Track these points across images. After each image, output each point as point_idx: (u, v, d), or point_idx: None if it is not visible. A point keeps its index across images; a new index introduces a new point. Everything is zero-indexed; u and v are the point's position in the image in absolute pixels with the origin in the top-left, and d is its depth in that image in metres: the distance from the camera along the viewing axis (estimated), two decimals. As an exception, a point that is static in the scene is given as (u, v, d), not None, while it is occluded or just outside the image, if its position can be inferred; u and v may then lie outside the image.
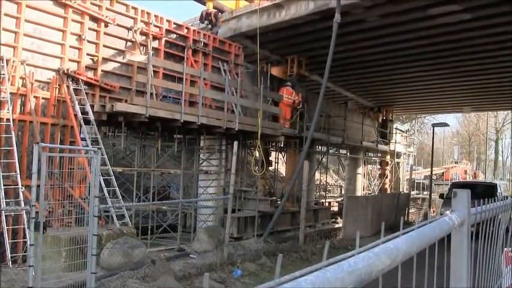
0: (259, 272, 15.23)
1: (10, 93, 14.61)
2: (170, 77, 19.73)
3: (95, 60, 17.56)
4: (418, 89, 35.37)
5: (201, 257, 15.31)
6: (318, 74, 27.13)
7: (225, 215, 18.00)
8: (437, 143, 62.16)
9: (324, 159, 32.85)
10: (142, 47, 19.11)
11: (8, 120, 14.40)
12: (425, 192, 51.51)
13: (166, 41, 20.14)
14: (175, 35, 20.67)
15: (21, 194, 13.59)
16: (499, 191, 25.83)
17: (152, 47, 19.30)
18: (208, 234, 16.47)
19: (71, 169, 14.06)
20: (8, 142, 14.29)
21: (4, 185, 13.57)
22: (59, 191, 13.10)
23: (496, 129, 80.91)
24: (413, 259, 2.63)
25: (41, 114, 15.65)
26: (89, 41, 17.28)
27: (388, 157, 42.92)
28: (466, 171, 65.48)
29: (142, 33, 19.17)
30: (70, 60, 16.65)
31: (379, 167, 44.92)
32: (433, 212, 31.74)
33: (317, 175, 35.38)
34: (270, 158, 28.91)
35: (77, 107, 16.02)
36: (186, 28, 21.26)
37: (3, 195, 13.40)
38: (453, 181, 43.55)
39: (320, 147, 32.09)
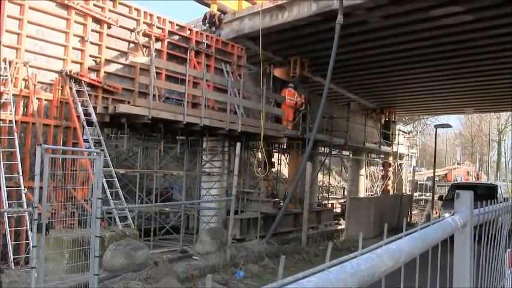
0: (262, 273, 15.24)
1: (13, 94, 14.61)
2: (173, 78, 19.74)
3: (97, 61, 17.56)
4: (421, 90, 35.34)
5: (204, 258, 15.32)
6: (321, 75, 27.16)
7: (228, 217, 18.00)
8: (439, 144, 62.20)
9: (327, 161, 32.75)
10: (145, 49, 19.12)
11: (10, 121, 14.41)
12: (428, 194, 51.43)
13: (169, 42, 20.15)
14: (178, 37, 20.68)
15: (23, 195, 13.60)
16: (499, 192, 25.66)
17: (155, 49, 19.30)
18: (211, 236, 16.48)
19: (73, 171, 14.08)
20: (11, 144, 14.29)
21: (7, 187, 13.58)
22: (62, 192, 13.12)
23: (499, 131, 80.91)
24: (416, 260, 2.63)
25: (44, 116, 15.66)
26: (91, 43, 17.30)
27: (390, 158, 42.89)
28: (468, 173, 65.41)
29: (145, 35, 19.18)
30: (73, 61, 16.66)
31: (381, 168, 44.87)
32: (436, 214, 31.70)
33: (320, 176, 35.33)
34: (273, 160, 28.89)
35: (80, 109, 16.03)
36: (189, 29, 21.27)
37: (6, 196, 13.41)
38: (452, 182, 43.36)
39: (323, 149, 32.04)
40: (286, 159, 31.52)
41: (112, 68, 18.16)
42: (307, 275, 1.74)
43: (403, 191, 43.39)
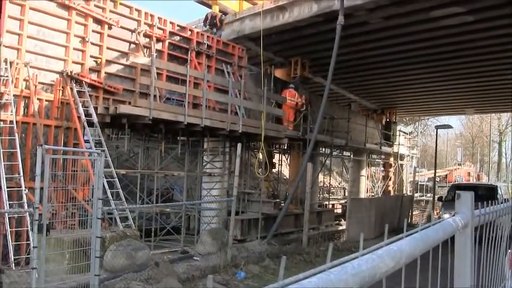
0: (263, 274, 15.24)
1: (13, 95, 14.62)
2: (174, 79, 19.74)
3: (98, 62, 17.57)
4: (422, 91, 35.33)
5: (205, 259, 15.32)
6: (322, 76, 27.16)
7: (229, 217, 17.99)
8: (440, 145, 62.23)
9: (328, 162, 32.75)
10: (145, 49, 19.12)
11: (11, 122, 14.43)
12: (428, 195, 51.37)
13: (169, 43, 20.16)
14: (178, 37, 20.68)
15: (24, 196, 13.60)
16: (499, 193, 25.46)
17: (156, 49, 19.31)
18: (211, 237, 16.48)
19: (74, 171, 14.08)
20: (12, 144, 14.30)
21: (7, 187, 13.59)
22: (63, 193, 13.12)
23: (500, 131, 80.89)
24: (417, 261, 2.63)
25: (45, 117, 15.67)
26: (92, 43, 17.31)
27: (391, 159, 42.87)
28: (469, 173, 65.39)
29: (145, 36, 19.18)
30: (74, 62, 16.66)
31: (382, 169, 44.86)
32: (437, 214, 31.63)
33: (320, 177, 35.34)
34: (274, 160, 28.90)
35: (81, 109, 16.03)
36: (190, 30, 21.27)
37: (7, 197, 13.42)
38: (452, 183, 43.31)
39: (323, 149, 32.03)
40: (287, 159, 31.51)
41: (113, 68, 18.16)
42: (308, 275, 1.74)
43: (404, 192, 43.36)
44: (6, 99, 14.57)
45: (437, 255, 3.04)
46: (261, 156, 23.62)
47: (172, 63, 19.86)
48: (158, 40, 19.68)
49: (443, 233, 2.92)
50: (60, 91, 16.08)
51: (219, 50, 22.28)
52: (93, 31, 17.34)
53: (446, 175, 62.62)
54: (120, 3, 18.40)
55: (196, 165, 22.63)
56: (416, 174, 42.91)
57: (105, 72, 17.74)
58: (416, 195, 45.31)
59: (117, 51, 18.27)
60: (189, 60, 20.31)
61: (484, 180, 66.62)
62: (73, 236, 11.77)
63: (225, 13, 24.50)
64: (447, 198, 26.18)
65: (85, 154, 14.94)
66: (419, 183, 52.90)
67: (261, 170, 23.51)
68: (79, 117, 15.95)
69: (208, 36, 21.91)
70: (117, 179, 16.14)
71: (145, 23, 19.10)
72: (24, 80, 15.26)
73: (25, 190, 13.67)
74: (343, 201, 37.97)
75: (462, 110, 46.78)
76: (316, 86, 30.62)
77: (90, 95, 16.66)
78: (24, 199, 13.55)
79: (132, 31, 18.73)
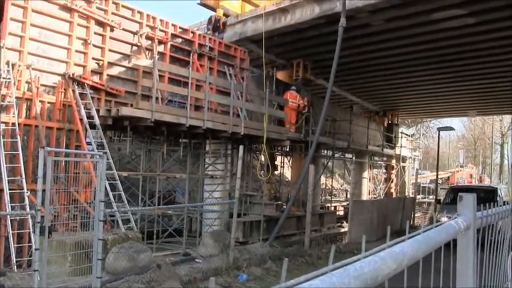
0: (265, 276, 15.22)
1: (16, 97, 14.65)
2: (176, 81, 19.75)
3: (100, 64, 17.58)
4: (424, 93, 35.33)
5: (207, 261, 15.30)
6: (324, 78, 27.13)
7: (231, 220, 18.00)
8: (442, 147, 62.25)
9: (330, 164, 32.80)
10: (147, 52, 19.13)
11: (13, 124, 14.45)
12: (431, 197, 51.47)
13: (171, 45, 20.17)
14: (180, 40, 20.69)
15: (26, 198, 13.61)
16: (499, 195, 25.06)
17: (158, 52, 19.33)
18: (213, 239, 16.47)
19: (76, 173, 14.06)
20: (14, 146, 14.32)
21: (9, 189, 13.59)
22: (65, 195, 13.11)
23: (502, 133, 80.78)
24: (419, 263, 2.63)
25: (47, 119, 15.67)
26: (94, 46, 17.32)
27: (393, 161, 42.84)
28: (471, 175, 65.46)
29: (148, 38, 19.20)
30: (76, 64, 16.69)
31: (384, 171, 44.86)
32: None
33: (322, 179, 35.35)
34: (276, 162, 28.91)
35: (83, 112, 16.04)
36: (192, 32, 21.29)
37: (9, 199, 13.43)
38: (450, 185, 43.18)
39: (326, 152, 32.05)
40: (289, 162, 31.48)
41: (115, 70, 18.17)
42: (310, 278, 1.74)
43: (406, 194, 43.41)
44: (9, 101, 14.58)
45: (440, 257, 3.04)
46: (263, 158, 23.61)
47: (174, 65, 19.87)
48: (160, 42, 19.70)
49: (445, 235, 2.91)
50: (62, 93, 16.10)
51: (221, 52, 22.30)
52: (95, 33, 17.36)
53: (449, 177, 62.63)
54: (122, 6, 18.43)
55: (198, 167, 22.64)
56: (419, 176, 42.96)
57: (107, 75, 17.75)
58: (418, 197, 45.40)
59: (119, 53, 18.29)
60: (191, 63, 20.32)
61: (486, 182, 66.57)
62: (75, 238, 11.76)
63: (227, 15, 24.52)
64: (446, 201, 25.95)
65: (87, 156, 14.92)
66: (422, 185, 53.01)
67: (263, 172, 23.50)
68: (81, 120, 15.96)
69: (210, 38, 21.93)
70: (119, 181, 16.14)
71: (147, 25, 19.12)
72: (26, 82, 15.28)
73: (27, 192, 13.68)
74: (345, 203, 38.06)
75: (464, 112, 46.82)
76: (318, 88, 30.61)
77: (92, 97, 16.67)
78: (26, 201, 13.55)
79: (134, 33, 18.75)
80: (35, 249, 9.89)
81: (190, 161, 21.93)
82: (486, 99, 36.40)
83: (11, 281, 11.08)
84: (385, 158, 42.45)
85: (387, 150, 39.91)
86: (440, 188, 48.52)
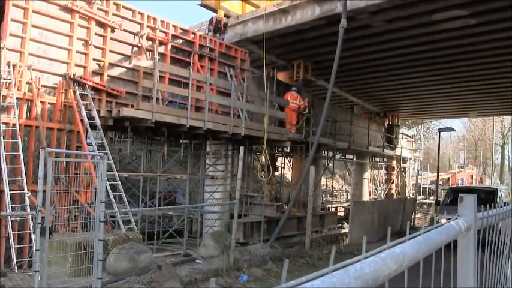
0: (266, 277, 15.22)
1: (16, 98, 14.65)
2: (176, 82, 19.75)
3: (101, 65, 17.59)
4: (424, 94, 35.32)
5: (207, 262, 15.30)
6: (324, 79, 27.12)
7: (231, 220, 18.00)
8: (443, 147, 62.22)
9: (330, 164, 32.81)
10: (148, 52, 19.15)
11: (14, 125, 14.45)
12: (431, 197, 51.46)
13: (172, 46, 20.18)
14: (181, 40, 20.71)
15: (27, 199, 13.61)
16: (499, 196, 24.86)
17: (158, 52, 19.34)
18: (214, 240, 16.47)
19: (77, 174, 14.06)
20: (14, 147, 14.32)
21: (10, 190, 13.59)
22: (65, 196, 13.10)
23: (502, 134, 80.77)
24: (420, 264, 2.62)
25: (47, 119, 15.68)
26: (95, 46, 17.34)
27: (394, 162, 42.86)
28: (472, 176, 65.45)
29: (148, 39, 19.21)
30: (76, 65, 16.70)
31: (385, 172, 44.86)
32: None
33: (323, 180, 35.35)
34: (276, 163, 28.89)
35: (83, 112, 16.04)
36: (193, 33, 21.30)
37: (9, 200, 13.43)
38: (450, 186, 43.05)
39: (326, 152, 32.07)
40: (289, 162, 31.47)
41: (115, 71, 18.18)
42: (310, 278, 1.74)
43: (407, 195, 43.43)
44: (9, 102, 14.59)
45: (440, 258, 3.04)
46: (263, 159, 23.62)
47: (175, 66, 19.88)
48: (161, 43, 19.71)
49: (446, 236, 2.91)
50: (63, 94, 16.11)
51: (221, 53, 22.31)
52: (95, 34, 17.37)
53: (449, 178, 62.61)
54: (123, 6, 18.44)
55: (199, 168, 22.64)
56: (419, 177, 42.95)
57: (108, 75, 17.76)
58: (419, 198, 45.46)
59: (119, 54, 18.30)
60: (191, 63, 20.33)
61: (487, 183, 66.59)
62: (76, 239, 11.77)
63: (227, 16, 24.53)
64: (445, 202, 25.62)
65: (88, 157, 14.92)
66: (422, 186, 53.00)
67: (264, 173, 23.50)
68: (82, 120, 15.97)
69: (211, 39, 21.95)
70: (119, 182, 16.14)
71: (148, 26, 19.14)
72: (27, 83, 15.29)
73: (28, 193, 13.68)
74: (345, 204, 38.02)
75: (465, 113, 46.80)
76: (319, 89, 30.61)
77: (92, 98, 16.68)
78: (27, 202, 13.55)
79: (135, 34, 18.76)
80: (36, 250, 9.90)
81: (191, 161, 21.94)
82: (487, 100, 36.40)
83: (11, 282, 11.09)
84: (385, 159, 42.48)
85: (388, 151, 39.95)
86: (441, 189, 48.50)
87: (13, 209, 13.41)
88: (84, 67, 16.98)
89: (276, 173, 28.93)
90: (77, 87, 16.40)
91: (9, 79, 14.63)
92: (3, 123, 14.37)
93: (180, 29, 20.66)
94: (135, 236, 14.16)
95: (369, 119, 38.69)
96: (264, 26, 22.48)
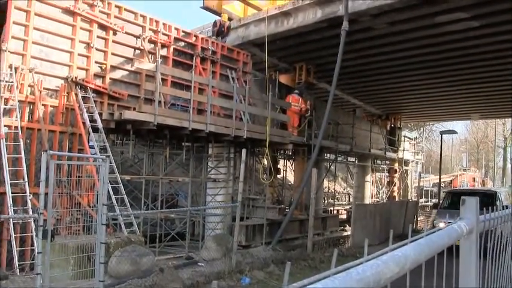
0: (268, 280, 15.21)
1: (18, 101, 14.64)
2: (178, 84, 19.76)
3: (103, 68, 17.59)
4: (426, 96, 35.30)
5: (209, 265, 15.30)
6: (326, 81, 27.13)
7: (233, 223, 18.00)
8: (445, 150, 62.08)
9: (332, 167, 32.79)
10: (150, 55, 19.14)
11: (16, 128, 14.44)
12: (434, 200, 51.39)
13: (174, 48, 20.18)
14: (183, 43, 20.71)
15: (29, 201, 13.61)
16: (499, 199, 23.71)
17: (160, 55, 19.33)
18: (216, 242, 16.47)
19: (79, 177, 14.10)
20: (16, 150, 14.31)
21: (12, 193, 13.59)
22: (67, 198, 13.13)
23: (504, 137, 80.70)
24: (422, 267, 2.62)
25: (49, 122, 15.68)
26: (97, 49, 17.33)
27: (396, 165, 42.85)
28: (474, 179, 65.44)
29: (150, 41, 19.21)
30: (78, 68, 16.69)
31: (387, 174, 44.80)
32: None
33: (325, 183, 35.37)
34: (278, 166, 28.91)
35: (86, 115, 16.04)
36: (195, 36, 21.30)
37: (11, 203, 13.43)
38: (449, 189, 42.79)
39: (328, 155, 32.07)
40: (291, 165, 31.51)
41: (118, 74, 18.19)
42: (312, 281, 1.74)
43: (409, 197, 43.39)
44: (11, 105, 14.59)
45: (442, 261, 3.03)
46: (265, 162, 23.63)
47: (177, 69, 19.88)
48: (163, 46, 19.71)
49: (448, 239, 2.91)
50: (65, 97, 16.10)
51: (223, 55, 22.31)
52: (98, 37, 17.37)
53: (452, 180, 62.63)
54: (125, 9, 18.45)
55: (201, 171, 22.63)
56: (421, 179, 42.92)
57: (110, 78, 17.77)
58: (421, 200, 45.36)
59: (122, 57, 18.30)
60: (193, 66, 20.32)
61: (490, 185, 66.52)
62: (78, 241, 11.77)
63: (230, 19, 24.55)
64: (443, 205, 24.79)
65: (90, 160, 14.94)
66: (424, 188, 52.93)
67: (266, 175, 23.50)
68: (84, 123, 15.97)
69: (213, 42, 21.96)
70: (121, 185, 16.13)
71: (150, 29, 19.14)
72: (29, 85, 15.28)
73: (30, 196, 13.68)
74: (348, 207, 38.02)
75: (467, 116, 46.72)
76: (321, 91, 30.62)
77: (95, 101, 16.67)
78: (29, 205, 13.55)
79: (137, 37, 18.76)
80: (38, 253, 9.91)
81: (193, 164, 21.94)
82: (489, 103, 36.37)
83: (13, 285, 11.09)
84: (387, 162, 42.45)
85: (390, 154, 39.93)
86: (443, 192, 48.44)
87: (15, 211, 13.40)
88: (86, 70, 16.98)
89: (278, 176, 28.94)
90: (79, 90, 16.39)
91: (12, 82, 14.63)
92: (5, 125, 14.38)
93: (182, 31, 20.67)
94: (137, 239, 14.17)
95: (371, 122, 38.70)
96: (266, 29, 22.49)
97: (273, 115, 22.62)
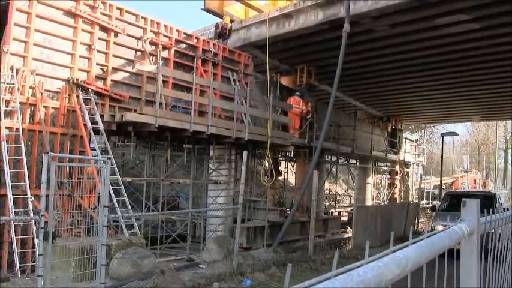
0: (269, 282, 15.19)
1: (20, 102, 14.66)
2: (180, 86, 19.77)
3: (104, 70, 17.60)
4: (427, 98, 35.29)
5: (211, 267, 15.28)
6: (328, 83, 27.16)
7: (235, 225, 17.98)
8: (446, 152, 62.15)
9: (334, 169, 32.74)
10: (152, 57, 19.15)
11: (17, 129, 14.46)
12: (435, 202, 51.35)
13: (176, 50, 20.19)
14: (184, 45, 20.72)
15: (30, 203, 13.61)
16: (499, 201, 22.92)
17: (162, 57, 19.34)
18: (217, 244, 16.45)
19: (80, 179, 14.09)
20: (18, 152, 14.32)
21: (13, 195, 13.59)
22: (68, 200, 13.14)
23: (506, 139, 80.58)
24: (423, 269, 2.62)
25: (51, 124, 15.69)
26: (98, 51, 17.36)
27: (397, 166, 42.81)
28: (475, 181, 65.37)
29: (152, 43, 19.22)
30: (80, 70, 16.71)
31: (388, 176, 44.76)
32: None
33: (326, 185, 35.33)
34: (280, 168, 28.89)
35: (87, 117, 16.05)
36: (196, 38, 21.32)
37: (13, 204, 13.42)
38: (447, 191, 42.58)
39: (329, 157, 32.04)
40: (293, 167, 31.46)
41: (119, 76, 18.20)
42: (313, 283, 1.74)
43: (410, 199, 43.32)
44: (13, 107, 14.61)
45: (443, 263, 3.03)
46: (267, 164, 23.61)
47: (178, 70, 19.90)
48: (164, 48, 19.72)
49: (449, 241, 2.91)
50: (66, 98, 16.13)
51: (225, 57, 22.33)
52: (99, 39, 17.40)
53: (453, 182, 62.59)
54: (127, 11, 18.46)
55: (202, 172, 22.64)
56: (422, 181, 42.86)
57: (111, 80, 17.78)
58: (422, 202, 45.28)
59: (123, 58, 18.32)
60: (195, 68, 20.34)
61: (491, 187, 66.46)
62: (79, 243, 11.77)
63: (231, 20, 24.54)
64: (441, 207, 24.02)
65: (91, 162, 14.93)
66: (426, 190, 52.90)
67: (267, 177, 23.48)
68: (85, 125, 15.98)
69: (214, 44, 21.97)
70: (123, 187, 16.13)
71: (151, 31, 19.15)
72: (31, 87, 15.30)
73: (31, 198, 13.68)
74: (349, 209, 37.91)
75: (468, 117, 46.67)
76: (322, 93, 30.65)
77: (96, 103, 16.69)
78: (30, 207, 13.55)
79: (138, 39, 18.77)
80: (39, 255, 9.90)
81: (194, 166, 21.95)
82: (490, 105, 36.35)
83: (14, 287, 11.09)
84: (389, 164, 42.39)
85: (391, 156, 39.89)
86: (444, 193, 48.47)
87: (16, 213, 13.39)
88: (88, 72, 17.00)
89: (279, 178, 28.93)
90: (80, 92, 16.41)
91: (13, 84, 14.64)
92: (6, 127, 14.40)
93: (184, 33, 20.68)
94: (138, 241, 14.15)
95: (372, 124, 38.68)
96: (267, 31, 22.51)
97: (274, 117, 22.61)
